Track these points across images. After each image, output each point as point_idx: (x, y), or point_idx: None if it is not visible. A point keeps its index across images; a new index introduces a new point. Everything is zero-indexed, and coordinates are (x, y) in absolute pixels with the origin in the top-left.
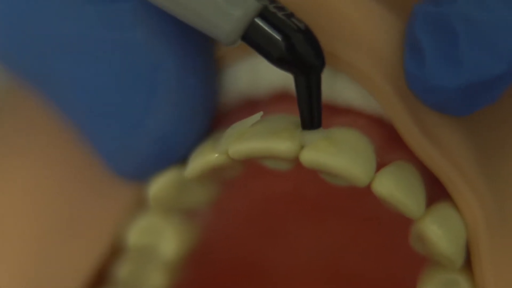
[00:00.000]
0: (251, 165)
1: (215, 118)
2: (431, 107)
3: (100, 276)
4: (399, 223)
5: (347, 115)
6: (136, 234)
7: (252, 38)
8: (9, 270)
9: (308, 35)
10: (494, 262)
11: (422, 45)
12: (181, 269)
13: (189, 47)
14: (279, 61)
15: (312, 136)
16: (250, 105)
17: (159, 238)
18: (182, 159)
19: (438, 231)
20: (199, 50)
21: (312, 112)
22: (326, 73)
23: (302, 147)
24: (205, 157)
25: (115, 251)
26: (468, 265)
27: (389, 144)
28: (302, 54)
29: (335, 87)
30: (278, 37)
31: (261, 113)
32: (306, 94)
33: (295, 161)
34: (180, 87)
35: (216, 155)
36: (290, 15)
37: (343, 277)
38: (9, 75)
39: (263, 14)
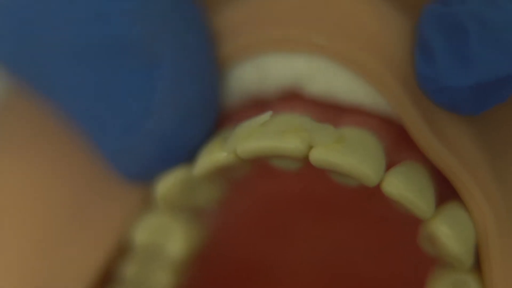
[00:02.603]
0: (260, 165)
1: (223, 117)
2: (442, 106)
3: (107, 275)
4: (408, 224)
5: (357, 114)
6: (143, 233)
7: None
8: (16, 270)
9: None
10: (503, 263)
11: (433, 44)
12: (188, 268)
13: (187, 46)
14: None
15: (322, 135)
16: (258, 104)
17: (166, 237)
18: (186, 159)
19: (448, 232)
20: (199, 49)
21: None
22: (335, 73)
23: (311, 146)
24: (214, 156)
25: (122, 250)
26: (477, 265)
27: (398, 144)
28: None
29: (345, 87)
30: None
31: (270, 112)
32: None
33: (304, 161)
34: (178, 87)
35: (225, 154)
36: None
37: (351, 278)
38: (11, 76)
39: None
